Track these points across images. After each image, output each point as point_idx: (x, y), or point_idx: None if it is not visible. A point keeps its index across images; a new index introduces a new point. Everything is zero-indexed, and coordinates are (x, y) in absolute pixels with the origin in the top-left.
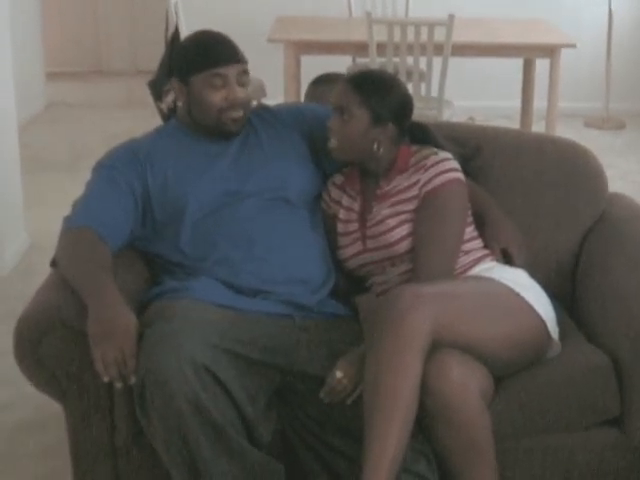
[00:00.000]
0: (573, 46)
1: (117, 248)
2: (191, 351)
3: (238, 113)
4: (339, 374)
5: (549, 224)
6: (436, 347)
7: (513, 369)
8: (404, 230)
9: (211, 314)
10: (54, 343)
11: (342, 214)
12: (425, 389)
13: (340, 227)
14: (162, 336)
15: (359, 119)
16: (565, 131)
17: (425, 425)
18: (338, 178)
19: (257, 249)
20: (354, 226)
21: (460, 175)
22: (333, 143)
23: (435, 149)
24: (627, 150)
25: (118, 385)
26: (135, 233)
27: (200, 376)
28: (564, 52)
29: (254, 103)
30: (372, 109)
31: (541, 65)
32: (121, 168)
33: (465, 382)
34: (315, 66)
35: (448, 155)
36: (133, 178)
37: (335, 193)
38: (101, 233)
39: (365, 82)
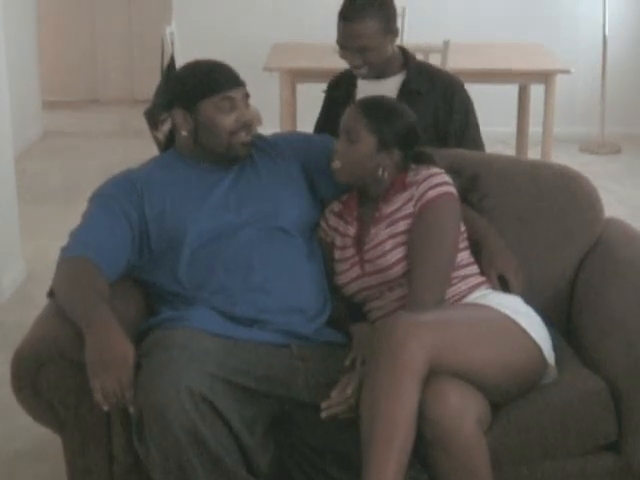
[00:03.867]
0: (568, 72)
1: (114, 277)
2: (189, 380)
3: (248, 137)
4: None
5: (545, 250)
6: (433, 374)
7: (510, 395)
8: (400, 253)
9: (208, 343)
10: (52, 374)
11: (338, 241)
12: (422, 417)
13: (337, 254)
14: (160, 366)
15: (365, 143)
16: (560, 156)
17: (423, 453)
18: (336, 205)
19: (254, 278)
20: (351, 251)
21: (452, 189)
22: (337, 164)
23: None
24: (623, 175)
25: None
26: (132, 262)
27: (198, 405)
28: (559, 77)
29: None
30: (379, 134)
31: (536, 90)
32: (118, 197)
33: (462, 409)
34: (311, 94)
35: (439, 170)
36: (130, 208)
37: (333, 220)
38: (98, 263)
39: (375, 107)
